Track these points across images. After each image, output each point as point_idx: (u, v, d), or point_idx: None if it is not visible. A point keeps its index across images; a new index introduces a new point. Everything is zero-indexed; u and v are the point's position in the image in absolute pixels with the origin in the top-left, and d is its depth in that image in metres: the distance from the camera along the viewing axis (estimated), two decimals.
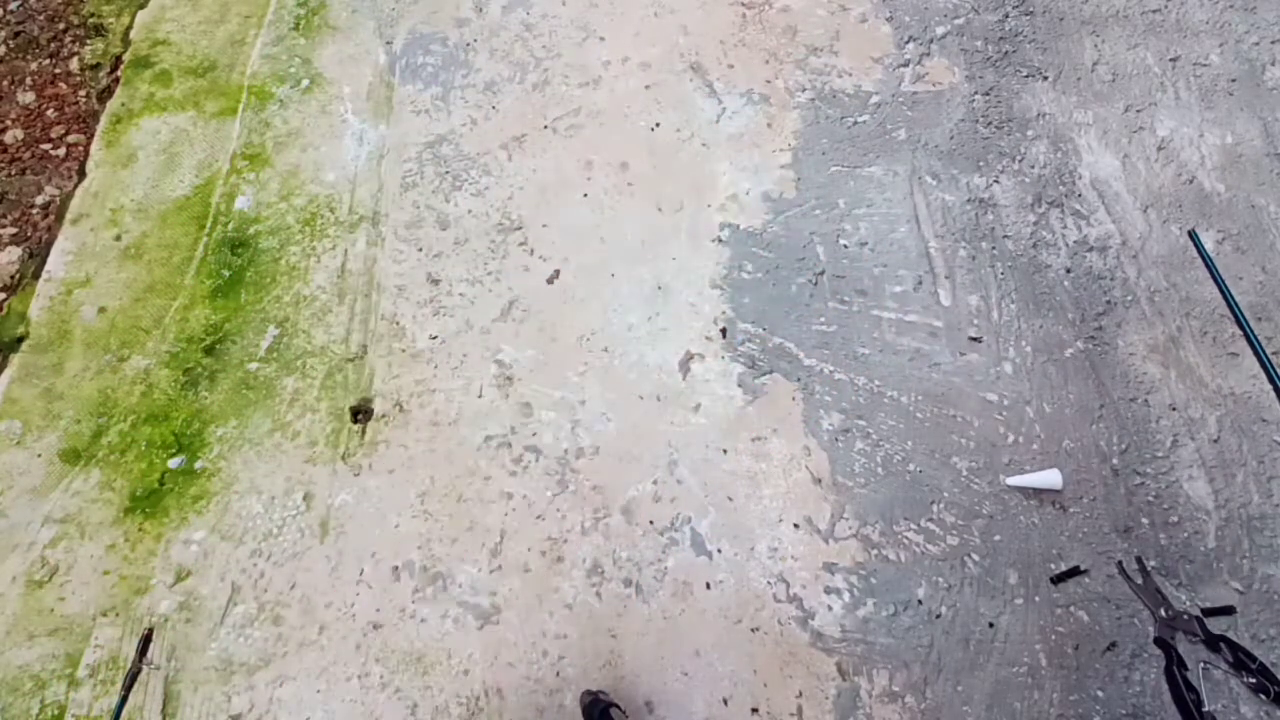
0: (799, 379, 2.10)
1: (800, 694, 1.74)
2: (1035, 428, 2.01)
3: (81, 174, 2.48)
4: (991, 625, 1.79)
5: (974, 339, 2.13)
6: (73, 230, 2.38)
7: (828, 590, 1.85)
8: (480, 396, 2.11)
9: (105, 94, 2.63)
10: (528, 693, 1.76)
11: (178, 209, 2.41)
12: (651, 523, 1.94)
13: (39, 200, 2.43)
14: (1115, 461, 1.96)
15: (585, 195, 2.40)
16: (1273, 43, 2.56)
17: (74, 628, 1.84)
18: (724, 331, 2.17)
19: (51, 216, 2.41)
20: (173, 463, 2.02)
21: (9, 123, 2.58)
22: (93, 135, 2.55)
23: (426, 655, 1.80)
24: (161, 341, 2.20)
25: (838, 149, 2.45)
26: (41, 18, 2.79)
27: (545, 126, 2.53)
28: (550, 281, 2.27)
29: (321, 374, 2.15)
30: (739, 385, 2.10)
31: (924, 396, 2.06)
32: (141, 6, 2.82)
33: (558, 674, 1.78)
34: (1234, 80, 2.50)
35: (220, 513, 1.97)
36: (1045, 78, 2.54)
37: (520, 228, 2.35)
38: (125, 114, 2.58)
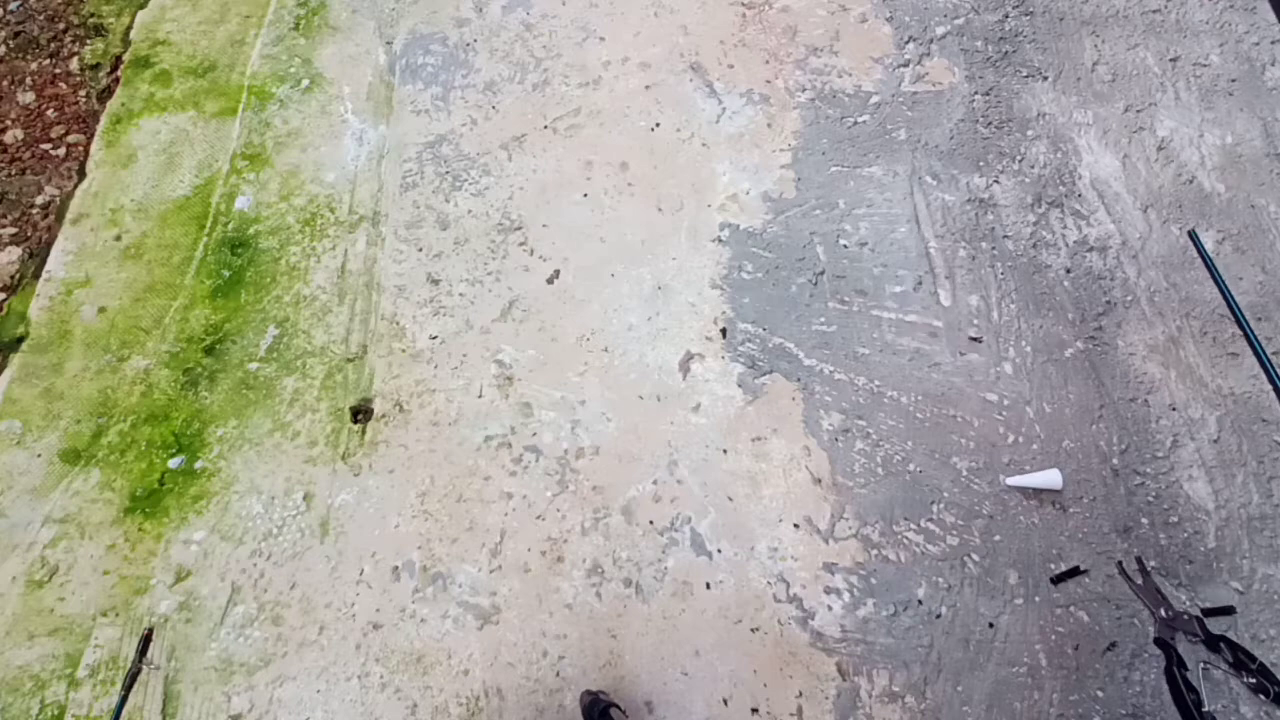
0: (799, 379, 2.10)
1: (800, 694, 1.74)
2: (1035, 428, 2.01)
3: (81, 174, 2.48)
4: (991, 625, 1.79)
5: (974, 339, 2.13)
6: (73, 230, 2.38)
7: (828, 590, 1.85)
8: (480, 396, 2.11)
9: (105, 94, 2.64)
10: (528, 693, 1.76)
11: (178, 209, 2.41)
12: (651, 523, 1.94)
13: (39, 200, 2.43)
14: (1115, 461, 1.96)
15: (585, 195, 2.40)
16: (1273, 43, 2.56)
17: (74, 628, 1.84)
18: (724, 331, 2.17)
19: (51, 216, 2.41)
20: (173, 463, 2.03)
21: (9, 123, 2.58)
22: (93, 135, 2.55)
23: (426, 655, 1.80)
24: (161, 341, 2.20)
25: (838, 149, 2.45)
26: (41, 18, 2.79)
27: (545, 126, 2.53)
28: (550, 281, 2.27)
29: (321, 374, 2.15)
30: (739, 385, 2.10)
31: (924, 396, 2.06)
32: (141, 6, 2.82)
33: (558, 674, 1.78)
34: (1234, 80, 2.50)
35: (220, 513, 1.97)
36: (1045, 78, 2.54)
37: (520, 228, 2.35)
38: (125, 114, 2.58)
